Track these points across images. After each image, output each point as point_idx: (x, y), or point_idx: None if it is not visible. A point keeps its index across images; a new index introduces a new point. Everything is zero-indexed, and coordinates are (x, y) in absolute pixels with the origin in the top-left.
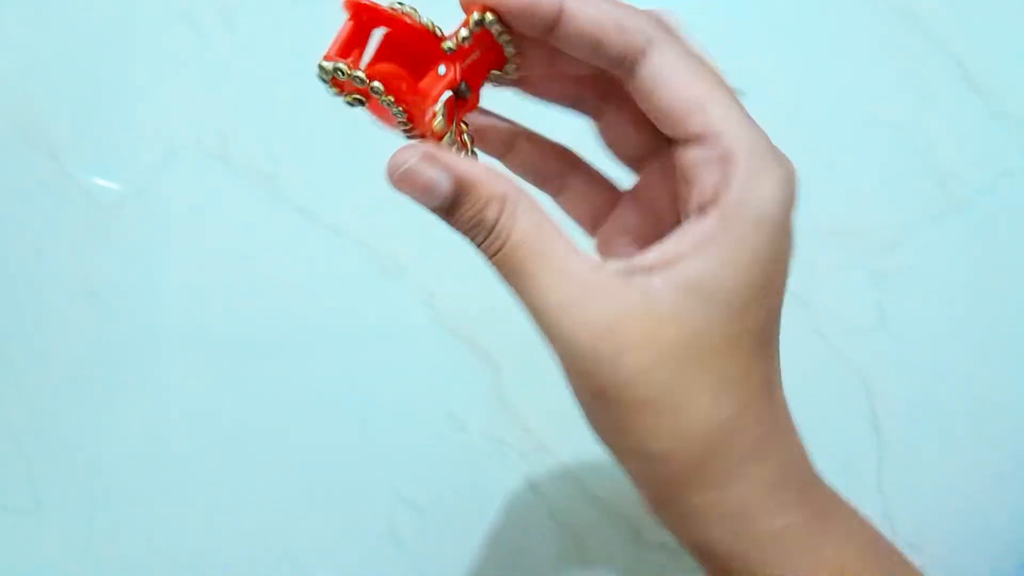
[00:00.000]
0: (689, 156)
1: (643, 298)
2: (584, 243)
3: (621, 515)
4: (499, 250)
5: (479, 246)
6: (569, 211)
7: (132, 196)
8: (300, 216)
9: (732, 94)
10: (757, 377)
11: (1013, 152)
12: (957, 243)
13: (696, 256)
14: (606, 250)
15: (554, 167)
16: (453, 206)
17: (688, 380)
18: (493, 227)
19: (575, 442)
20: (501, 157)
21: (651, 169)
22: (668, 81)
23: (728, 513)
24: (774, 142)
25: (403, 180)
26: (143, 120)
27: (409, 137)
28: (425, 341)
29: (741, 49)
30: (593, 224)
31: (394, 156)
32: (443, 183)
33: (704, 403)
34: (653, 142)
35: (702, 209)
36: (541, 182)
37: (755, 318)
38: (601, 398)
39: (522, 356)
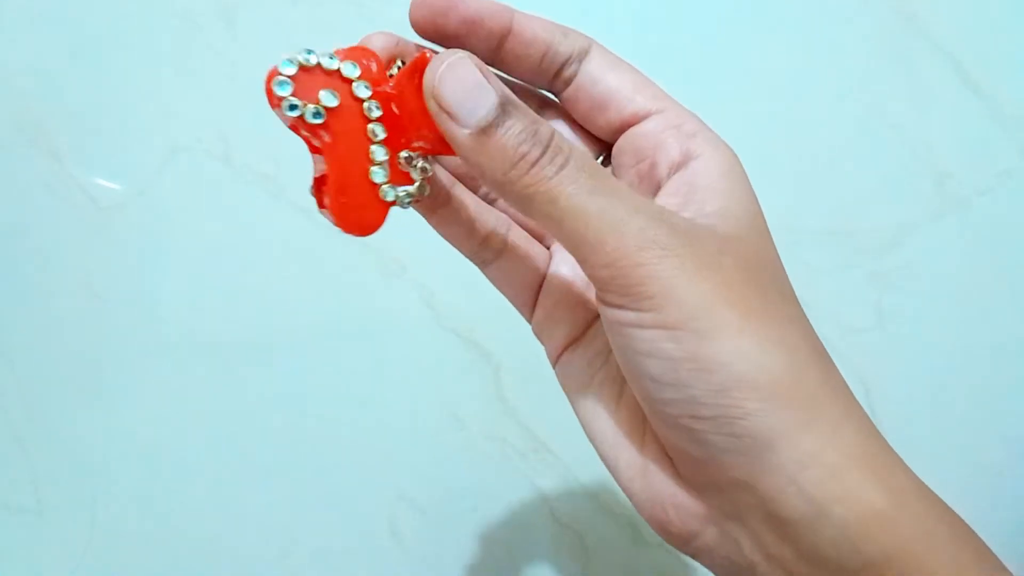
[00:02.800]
0: (646, 129)
1: (705, 227)
2: None
3: (621, 514)
4: (565, 164)
5: (534, 163)
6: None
7: (133, 197)
8: (301, 216)
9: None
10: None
11: (1011, 153)
12: (955, 243)
13: (706, 200)
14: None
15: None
16: (501, 116)
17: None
18: (550, 141)
19: (575, 442)
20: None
21: None
22: (615, 68)
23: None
24: (774, 144)
25: (450, 73)
26: (144, 121)
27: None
28: (426, 341)
29: (742, 51)
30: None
31: (436, 57)
32: (493, 88)
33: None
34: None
35: (679, 167)
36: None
37: (772, 257)
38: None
39: (522, 356)
